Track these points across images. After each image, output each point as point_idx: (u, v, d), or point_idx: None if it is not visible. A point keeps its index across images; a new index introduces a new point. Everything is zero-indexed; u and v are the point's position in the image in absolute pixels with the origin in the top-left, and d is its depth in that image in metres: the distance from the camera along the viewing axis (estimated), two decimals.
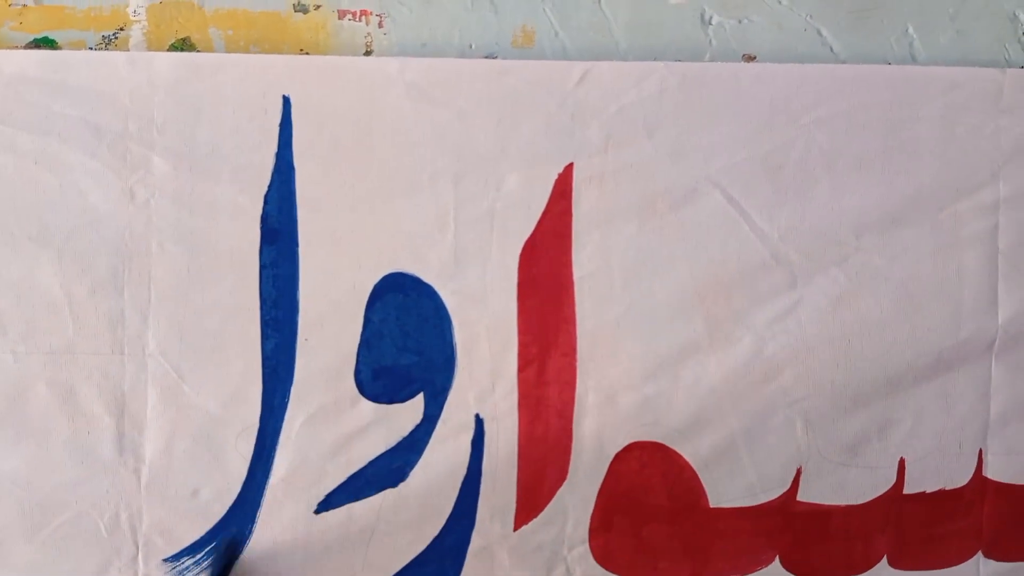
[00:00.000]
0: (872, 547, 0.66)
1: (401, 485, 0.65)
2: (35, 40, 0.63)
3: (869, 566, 0.66)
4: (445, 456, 0.65)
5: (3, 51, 0.63)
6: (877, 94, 0.66)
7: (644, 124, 0.65)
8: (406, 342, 0.65)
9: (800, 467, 0.66)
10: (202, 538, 0.64)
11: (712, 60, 0.65)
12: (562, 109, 0.65)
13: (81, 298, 0.64)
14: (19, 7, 0.63)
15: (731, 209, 0.65)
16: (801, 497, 0.66)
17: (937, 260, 0.65)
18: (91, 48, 0.64)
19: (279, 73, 0.64)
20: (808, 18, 0.66)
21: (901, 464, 0.66)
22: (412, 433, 0.65)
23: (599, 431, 0.65)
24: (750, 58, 0.66)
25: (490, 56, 0.65)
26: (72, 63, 0.63)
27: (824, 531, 0.66)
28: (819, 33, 0.66)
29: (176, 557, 0.64)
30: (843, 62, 0.66)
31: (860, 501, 0.66)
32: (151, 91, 0.63)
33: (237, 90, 0.64)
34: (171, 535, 0.64)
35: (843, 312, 0.65)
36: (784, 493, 0.66)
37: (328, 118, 0.64)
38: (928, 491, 0.66)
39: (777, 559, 0.66)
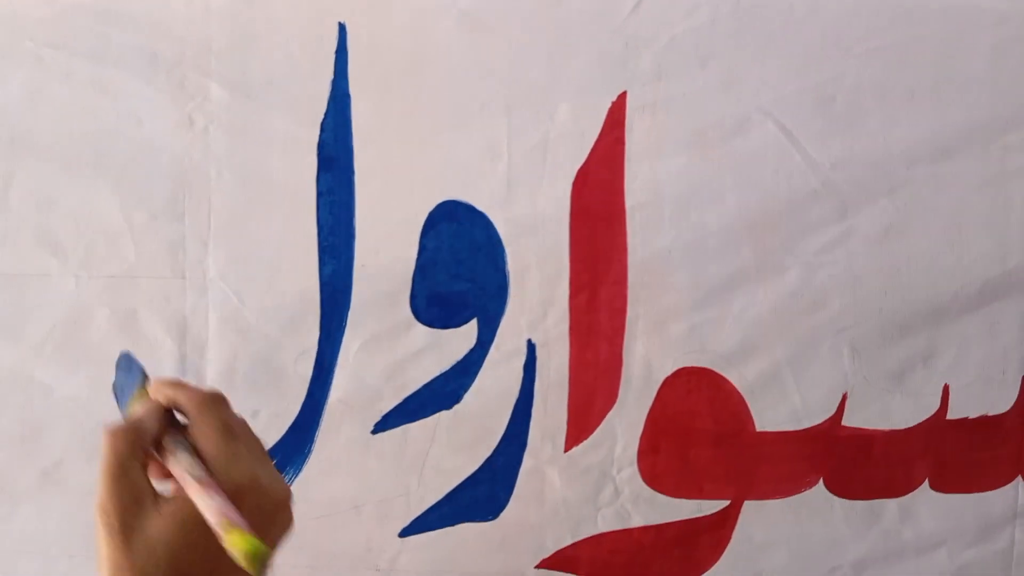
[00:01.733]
0: (914, 471, 0.68)
1: (455, 407, 0.67)
2: None
3: (911, 489, 0.68)
4: (497, 380, 0.67)
5: None
6: (929, 27, 0.66)
7: (696, 54, 0.65)
8: (459, 269, 0.66)
9: (846, 393, 0.67)
10: None
11: None
12: (615, 39, 0.65)
13: (142, 224, 0.65)
14: None
15: (783, 139, 0.65)
16: (846, 422, 0.67)
17: (985, 191, 0.66)
18: None
19: (334, 1, 0.64)
20: None
21: (945, 391, 0.67)
22: (466, 357, 0.67)
23: (648, 357, 0.67)
24: None
25: None
26: None
27: (868, 455, 0.68)
28: None
29: None
30: None
31: (904, 426, 0.68)
32: (207, 18, 0.64)
33: (292, 17, 0.64)
34: None
35: (891, 242, 0.66)
36: (829, 418, 0.67)
37: (382, 47, 0.65)
38: (970, 417, 0.67)
39: (821, 482, 0.68)
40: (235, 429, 0.42)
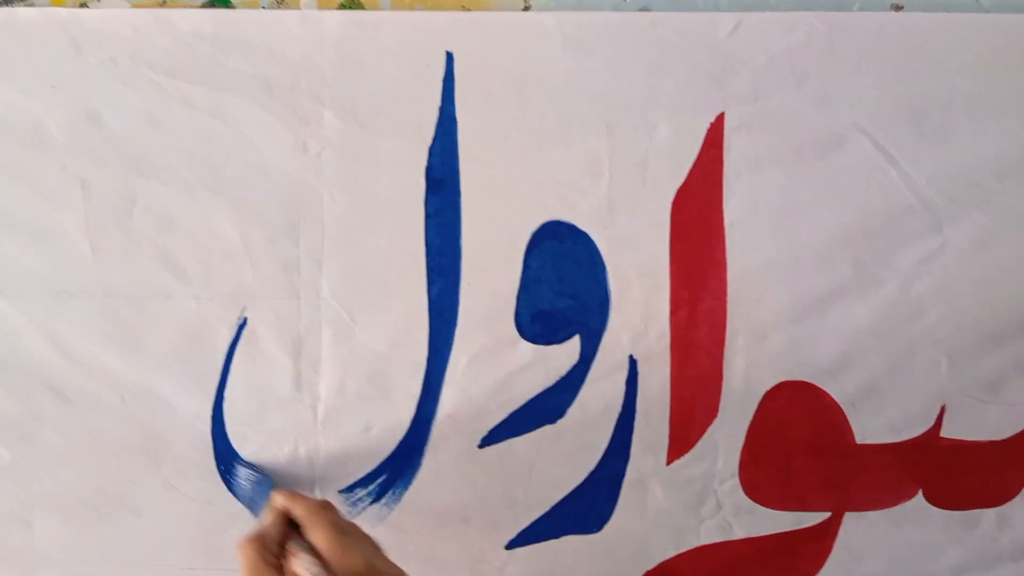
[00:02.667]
0: (1010, 480, 0.69)
1: (559, 421, 0.68)
2: (210, 0, 0.67)
3: (1008, 498, 0.69)
4: (600, 394, 0.68)
5: (179, 9, 0.67)
6: (1017, 42, 0.67)
7: (793, 73, 0.67)
8: (562, 287, 0.68)
9: (944, 404, 0.68)
10: (373, 471, 0.68)
11: (860, 10, 0.67)
12: (713, 59, 0.67)
13: (258, 245, 0.67)
14: None
15: (877, 154, 0.67)
16: (944, 434, 0.68)
17: None
18: (263, 7, 0.67)
19: (441, 29, 0.67)
20: None
21: None
22: (569, 373, 0.68)
23: (748, 371, 0.68)
24: (897, 7, 0.67)
25: (643, 9, 0.67)
26: (245, 21, 0.67)
27: (964, 466, 0.69)
28: None
29: (350, 488, 0.68)
30: (987, 11, 0.68)
31: (1000, 437, 0.69)
32: (321, 48, 0.67)
33: (402, 46, 0.67)
34: (345, 468, 0.68)
35: (986, 254, 0.67)
36: (928, 430, 0.68)
37: (488, 72, 0.67)
38: None
39: (920, 493, 0.69)
40: (345, 527, 0.51)
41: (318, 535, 0.51)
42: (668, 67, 0.67)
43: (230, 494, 0.68)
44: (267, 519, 0.54)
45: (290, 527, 0.54)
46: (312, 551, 0.51)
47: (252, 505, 0.64)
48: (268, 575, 0.49)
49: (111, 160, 0.66)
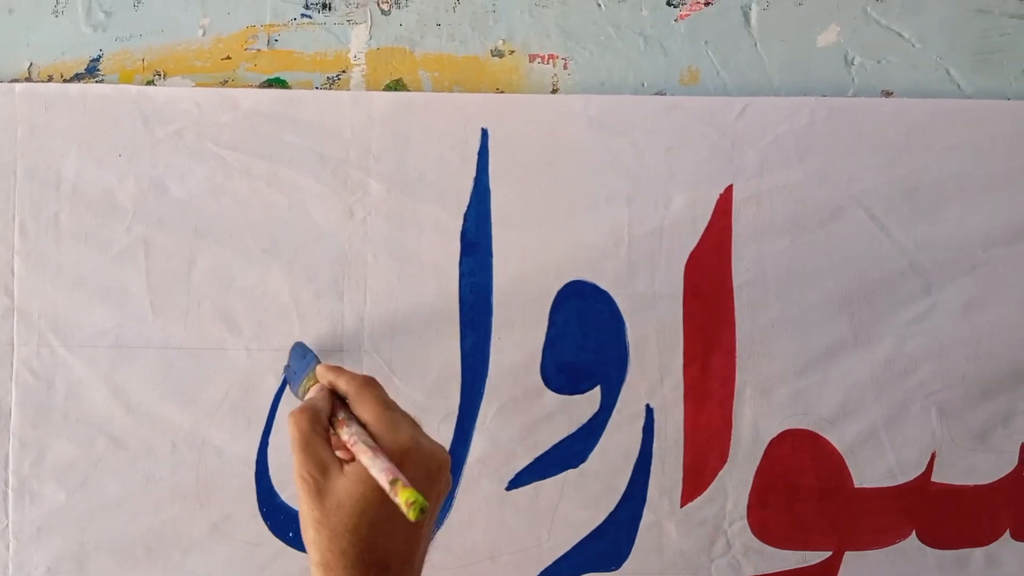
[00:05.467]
0: (997, 522, 0.75)
1: (581, 466, 0.74)
2: (268, 80, 0.73)
3: (994, 539, 0.75)
4: (619, 441, 0.74)
5: (240, 89, 0.73)
6: (1000, 126, 0.75)
7: (796, 151, 0.74)
8: (585, 341, 0.74)
9: (935, 452, 0.74)
10: None
11: (855, 96, 0.75)
12: (723, 138, 0.74)
13: (307, 302, 0.73)
14: (254, 51, 0.73)
15: (873, 225, 0.74)
16: (935, 478, 0.74)
17: None
18: (317, 87, 0.73)
19: (478, 109, 0.74)
20: (939, 59, 0.75)
21: (1022, 448, 0.74)
22: (590, 421, 0.74)
23: (756, 420, 0.74)
24: (888, 94, 0.75)
25: (660, 93, 0.74)
26: (301, 100, 0.73)
27: (955, 509, 0.75)
28: (948, 72, 0.75)
29: None
30: (969, 97, 0.75)
31: (987, 481, 0.75)
32: (370, 125, 0.73)
33: (442, 123, 0.74)
34: None
35: (973, 315, 0.74)
36: (920, 475, 0.74)
37: (519, 147, 0.74)
38: None
39: (914, 533, 0.75)
40: (390, 402, 0.52)
41: (366, 409, 0.50)
42: (683, 145, 0.74)
43: (274, 536, 0.73)
44: (315, 391, 0.54)
45: (340, 401, 0.53)
46: (359, 423, 0.50)
47: (293, 378, 0.65)
48: (317, 443, 0.48)
49: (174, 224, 0.72)
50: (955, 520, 0.75)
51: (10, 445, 0.71)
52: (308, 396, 0.54)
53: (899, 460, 0.74)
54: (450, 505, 0.73)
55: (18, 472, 0.71)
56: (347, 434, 0.50)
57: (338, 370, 0.55)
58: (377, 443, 0.48)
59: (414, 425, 0.53)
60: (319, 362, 0.62)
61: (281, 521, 0.73)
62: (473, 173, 0.73)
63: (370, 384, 0.52)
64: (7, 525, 0.72)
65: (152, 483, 0.72)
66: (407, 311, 0.73)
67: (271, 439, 0.73)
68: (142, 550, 0.73)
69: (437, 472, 0.51)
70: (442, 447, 0.51)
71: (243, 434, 0.73)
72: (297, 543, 0.73)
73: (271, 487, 0.73)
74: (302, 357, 0.68)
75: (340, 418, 0.52)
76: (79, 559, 0.72)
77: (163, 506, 0.73)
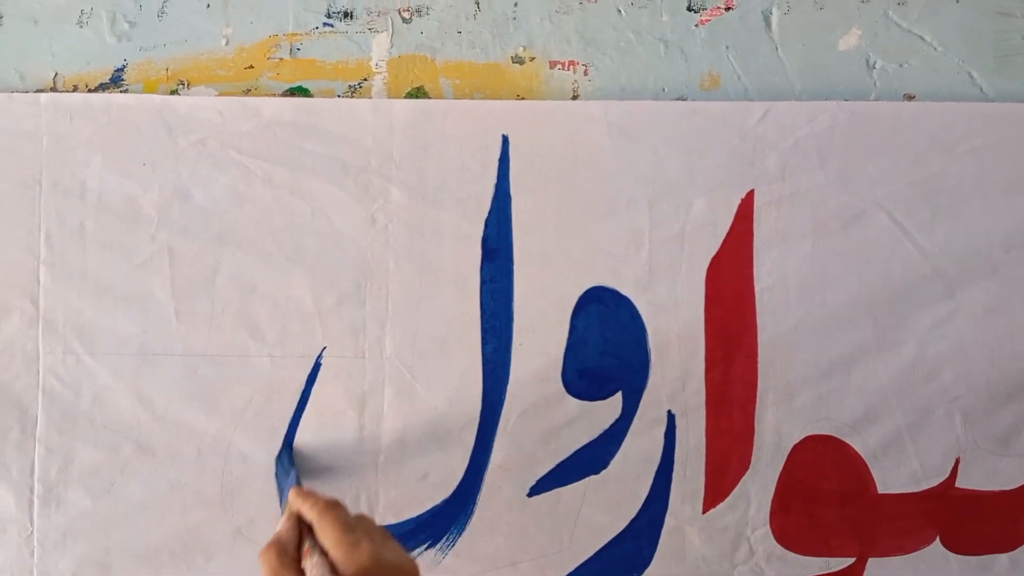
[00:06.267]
0: (1020, 527, 0.75)
1: (603, 472, 0.74)
2: (290, 89, 0.74)
3: (1018, 544, 0.75)
4: (641, 447, 0.74)
5: (263, 98, 0.74)
6: (1020, 128, 0.75)
7: (817, 155, 0.74)
8: (606, 347, 0.74)
9: (958, 457, 0.74)
10: (429, 517, 0.74)
11: (876, 99, 0.75)
12: (744, 143, 0.74)
13: (329, 309, 0.74)
14: (276, 60, 0.74)
15: (895, 228, 0.74)
16: (959, 484, 0.74)
17: None
18: (339, 96, 0.74)
19: (499, 116, 0.74)
20: (960, 62, 0.75)
21: None
22: (612, 427, 0.74)
23: (778, 425, 0.74)
24: (910, 97, 0.75)
25: (680, 98, 0.74)
26: (323, 109, 0.74)
27: (979, 514, 0.74)
28: (970, 75, 0.75)
29: (407, 532, 0.74)
30: (991, 100, 0.75)
31: (1010, 487, 0.74)
32: (390, 132, 0.74)
33: (463, 131, 0.74)
34: (402, 512, 0.74)
35: (995, 318, 0.74)
36: (944, 480, 0.74)
37: (540, 154, 0.74)
38: None
39: (937, 539, 0.74)
40: (351, 523, 0.53)
41: (326, 534, 0.51)
42: (704, 150, 0.74)
43: None
44: (284, 521, 0.54)
45: (307, 526, 0.53)
46: (323, 551, 0.51)
47: (279, 493, 0.67)
48: None
49: (197, 232, 0.73)
50: (979, 525, 0.74)
51: (36, 452, 0.72)
52: (278, 525, 0.55)
53: (923, 465, 0.74)
54: (471, 511, 0.74)
55: (44, 479, 0.72)
56: (309, 566, 0.51)
57: (305, 495, 0.56)
58: (337, 569, 0.49)
59: (380, 540, 0.53)
60: (298, 482, 0.63)
61: None
62: (494, 180, 0.73)
63: (330, 508, 0.53)
64: (32, 531, 0.72)
65: (177, 489, 0.73)
66: (428, 318, 0.74)
67: (295, 445, 0.73)
68: (167, 555, 0.73)
69: None
70: (409, 558, 0.51)
71: (267, 440, 0.73)
72: None
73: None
74: (286, 475, 0.68)
75: (306, 547, 0.54)
76: (104, 564, 0.73)
77: (188, 511, 0.73)
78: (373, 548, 0.50)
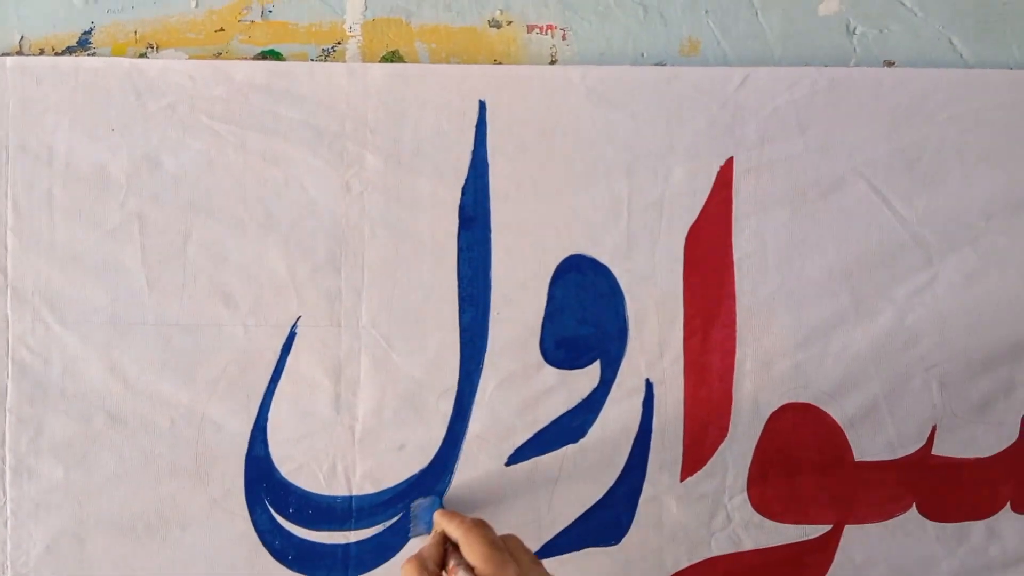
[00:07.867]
0: (997, 494, 0.75)
1: (581, 441, 0.74)
2: (262, 52, 0.72)
3: (995, 511, 0.75)
4: (619, 416, 0.74)
5: (234, 61, 0.72)
6: (1001, 95, 0.74)
7: (796, 122, 0.74)
8: (584, 315, 0.74)
9: (935, 425, 0.74)
10: (407, 487, 0.73)
11: (856, 65, 0.74)
12: (723, 110, 0.73)
13: (304, 278, 0.73)
14: (248, 23, 0.72)
15: (874, 196, 0.74)
16: (936, 451, 0.74)
17: None
18: (312, 59, 0.72)
19: (476, 81, 0.73)
20: (941, 28, 0.74)
21: (1023, 421, 0.74)
22: (590, 395, 0.74)
23: (756, 393, 0.74)
24: (890, 63, 0.74)
25: (660, 63, 0.73)
26: (296, 73, 0.72)
27: (956, 481, 0.75)
28: (950, 42, 0.74)
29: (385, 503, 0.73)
30: (971, 67, 0.74)
31: (987, 454, 0.75)
32: (366, 97, 0.72)
33: (439, 96, 0.73)
34: (380, 483, 0.73)
35: (974, 286, 0.74)
36: (921, 448, 0.74)
37: (518, 120, 0.73)
38: None
39: (914, 506, 0.75)
40: (498, 543, 0.54)
41: (474, 551, 0.54)
42: (683, 116, 0.73)
43: (274, 512, 0.73)
44: (430, 539, 0.58)
45: (452, 546, 0.58)
46: (467, 567, 0.54)
47: (415, 520, 0.71)
48: None
49: (168, 199, 0.72)
50: (955, 493, 0.75)
51: (7, 422, 0.71)
52: (426, 542, 0.58)
53: (899, 433, 0.74)
54: (449, 481, 0.73)
55: (15, 449, 0.71)
56: None
57: (451, 515, 0.59)
58: None
59: (527, 561, 0.55)
60: (441, 506, 0.66)
61: (280, 497, 0.72)
62: (471, 146, 0.72)
63: (478, 527, 0.56)
64: (5, 503, 0.71)
65: (151, 459, 0.72)
66: (405, 286, 0.73)
67: (270, 414, 0.72)
68: (141, 526, 0.72)
69: None
70: None
71: (242, 410, 0.72)
72: (296, 519, 0.72)
73: (271, 463, 0.73)
74: (429, 509, 0.70)
75: (451, 564, 0.56)
76: (78, 535, 0.72)
77: (162, 482, 0.72)
78: (520, 568, 0.52)
